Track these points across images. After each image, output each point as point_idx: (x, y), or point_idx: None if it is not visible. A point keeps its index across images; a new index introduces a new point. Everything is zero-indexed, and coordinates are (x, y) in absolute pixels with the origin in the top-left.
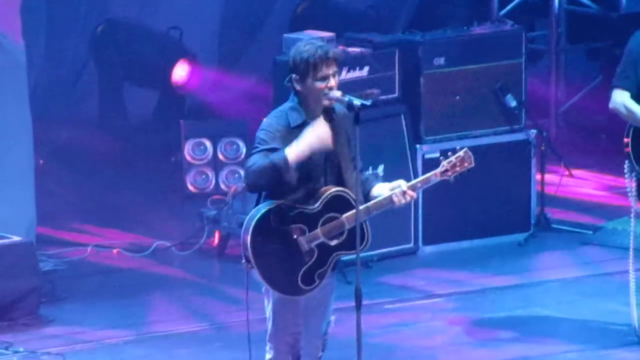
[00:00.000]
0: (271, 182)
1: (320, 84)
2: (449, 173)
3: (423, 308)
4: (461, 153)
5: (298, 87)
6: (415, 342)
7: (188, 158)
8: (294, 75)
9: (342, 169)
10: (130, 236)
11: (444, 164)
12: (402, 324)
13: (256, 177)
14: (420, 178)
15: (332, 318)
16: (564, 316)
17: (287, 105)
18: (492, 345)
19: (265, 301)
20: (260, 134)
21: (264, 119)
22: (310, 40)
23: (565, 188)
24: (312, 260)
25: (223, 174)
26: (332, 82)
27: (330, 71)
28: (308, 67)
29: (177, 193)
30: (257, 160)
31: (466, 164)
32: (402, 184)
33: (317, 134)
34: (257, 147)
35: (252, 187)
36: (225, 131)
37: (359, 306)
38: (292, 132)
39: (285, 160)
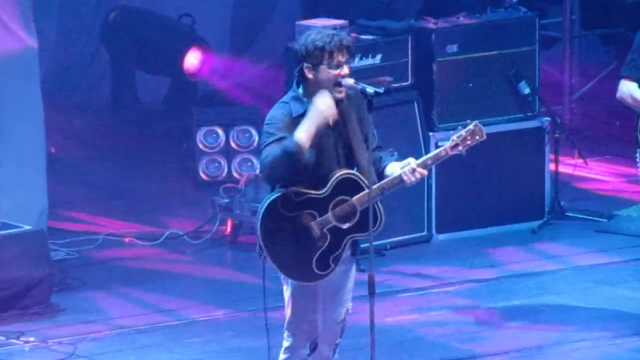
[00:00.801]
0: (287, 169)
1: (334, 72)
2: (460, 147)
3: (436, 296)
4: (471, 126)
5: (310, 76)
6: (429, 330)
7: (200, 146)
8: (305, 64)
9: (353, 151)
10: (142, 224)
11: (454, 138)
12: (415, 312)
13: (272, 168)
14: (430, 154)
15: (350, 305)
16: (578, 304)
17: (289, 95)
18: (505, 333)
19: (284, 287)
20: (266, 128)
21: (268, 113)
22: (319, 29)
23: (580, 175)
24: (326, 244)
25: (235, 161)
26: (346, 69)
27: (344, 59)
28: (323, 55)
29: (190, 181)
30: (270, 151)
31: (477, 137)
32: (411, 161)
33: (319, 108)
34: (266, 141)
35: (271, 179)
36: (237, 118)
37: (372, 294)
38: (295, 121)
39: (296, 143)
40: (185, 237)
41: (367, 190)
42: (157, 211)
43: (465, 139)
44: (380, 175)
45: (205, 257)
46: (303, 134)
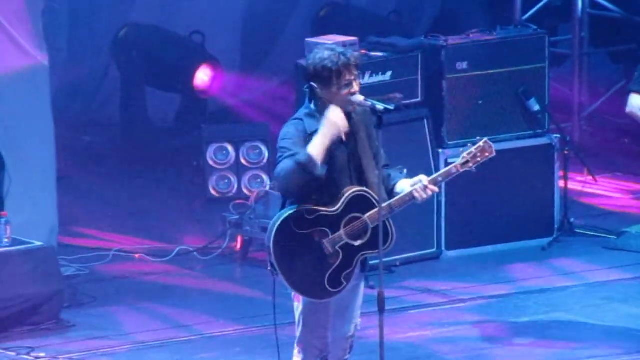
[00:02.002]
0: (301, 182)
1: (344, 91)
2: (470, 164)
3: (446, 313)
4: (481, 143)
5: (319, 95)
6: (438, 347)
7: (210, 162)
8: (314, 84)
9: (363, 167)
10: (152, 240)
11: (464, 155)
12: (425, 329)
13: (286, 181)
14: (441, 172)
15: (359, 320)
16: (587, 321)
17: (302, 112)
18: (515, 350)
19: (295, 304)
20: (281, 143)
21: (282, 129)
22: (327, 47)
23: (589, 192)
24: (338, 262)
25: (245, 178)
26: (355, 86)
27: (353, 77)
28: (332, 75)
29: (200, 197)
30: (284, 165)
31: (487, 154)
32: (422, 178)
33: (332, 120)
34: (281, 156)
35: (285, 192)
36: (247, 135)
37: (382, 311)
38: (309, 138)
39: (310, 156)
40: (195, 253)
41: (378, 208)
42: (167, 227)
43: (475, 155)
44: (390, 192)
45: (215, 274)
46: (316, 148)
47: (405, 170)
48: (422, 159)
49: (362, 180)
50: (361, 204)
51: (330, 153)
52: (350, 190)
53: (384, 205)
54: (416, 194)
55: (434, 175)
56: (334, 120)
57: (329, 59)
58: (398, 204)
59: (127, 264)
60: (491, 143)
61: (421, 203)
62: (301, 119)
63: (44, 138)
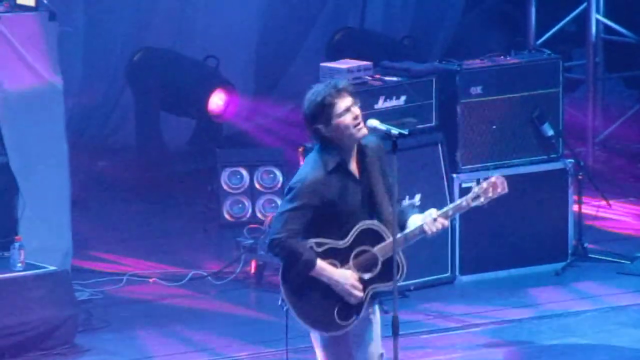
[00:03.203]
0: (290, 267)
1: (345, 118)
2: (481, 199)
3: (460, 337)
4: (493, 178)
5: (327, 135)
6: None
7: (224, 187)
8: (319, 126)
9: (377, 203)
10: (166, 265)
11: (475, 190)
12: (439, 353)
13: (280, 256)
14: (452, 205)
15: (383, 350)
16: (601, 346)
17: (318, 148)
18: None
19: (314, 341)
20: (296, 186)
21: (300, 169)
22: (313, 89)
23: (603, 217)
24: None
25: (260, 202)
26: (356, 111)
27: (349, 102)
28: (326, 108)
29: (214, 222)
30: (290, 253)
31: (499, 190)
32: (432, 212)
33: (339, 285)
34: (291, 202)
35: (271, 254)
36: (261, 160)
37: (396, 335)
38: (329, 176)
39: (313, 268)
40: (209, 277)
41: (388, 241)
42: (181, 252)
43: (486, 190)
44: (403, 227)
45: (229, 298)
46: (320, 272)
47: (418, 198)
48: (436, 184)
49: (376, 217)
50: (370, 237)
51: (344, 191)
52: (359, 224)
53: (394, 238)
54: (426, 227)
55: (444, 209)
56: (345, 289)
57: (318, 95)
58: (408, 237)
59: (141, 289)
60: (503, 179)
61: (431, 237)
62: (319, 158)
63: (58, 162)
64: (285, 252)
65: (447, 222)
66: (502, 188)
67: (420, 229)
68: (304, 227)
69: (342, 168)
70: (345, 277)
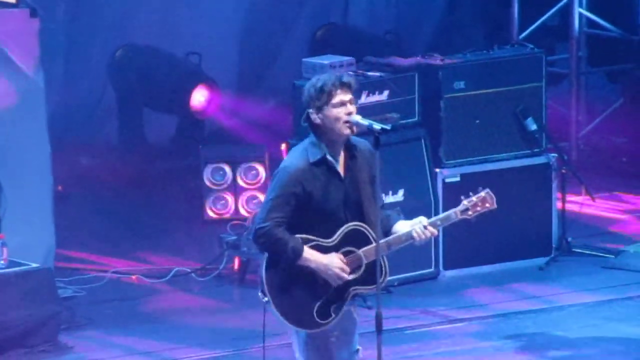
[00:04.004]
0: (276, 256)
1: (338, 110)
2: (470, 212)
3: (444, 333)
4: (483, 193)
5: (317, 121)
6: None
7: (207, 183)
8: (310, 110)
9: (363, 205)
10: (149, 262)
11: (465, 202)
12: (423, 349)
13: (266, 246)
14: (440, 216)
15: (359, 348)
16: (586, 341)
17: (306, 141)
18: None
19: (292, 336)
20: (280, 174)
21: (287, 156)
22: (320, 75)
23: (587, 211)
24: (328, 294)
25: (243, 199)
26: (351, 107)
27: (347, 97)
28: (323, 96)
29: (197, 218)
30: (275, 242)
31: (487, 205)
32: (422, 220)
33: (328, 269)
34: (274, 191)
35: (257, 246)
36: (244, 156)
37: (379, 331)
38: (311, 168)
39: (300, 255)
40: (192, 274)
41: (374, 244)
42: (164, 249)
43: (475, 204)
44: (387, 233)
45: (213, 295)
46: (306, 259)
47: (401, 193)
48: (419, 179)
49: (360, 218)
50: (357, 238)
51: (326, 186)
52: (348, 224)
53: (381, 242)
54: (415, 234)
55: (434, 219)
56: (330, 273)
57: (320, 80)
58: (395, 242)
59: (125, 286)
60: (492, 194)
61: (419, 244)
62: (305, 149)
63: (40, 159)
64: (271, 241)
65: (435, 232)
66: (491, 204)
67: (408, 235)
68: (289, 217)
69: (326, 163)
70: (332, 261)
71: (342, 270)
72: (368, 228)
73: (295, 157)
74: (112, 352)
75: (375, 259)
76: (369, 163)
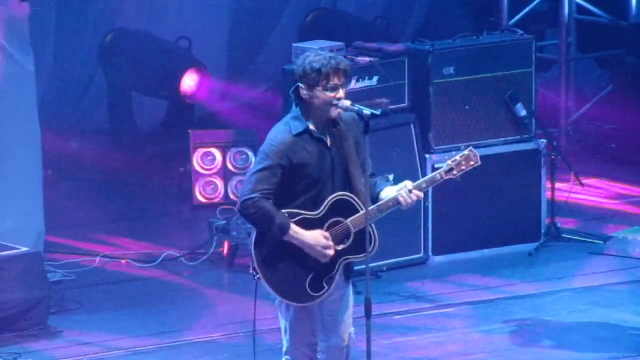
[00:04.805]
0: (262, 230)
1: (329, 94)
2: (454, 172)
3: (433, 318)
4: (466, 152)
5: (305, 97)
6: (426, 352)
7: (197, 168)
8: (301, 85)
9: (350, 174)
10: (139, 246)
11: (449, 162)
12: (412, 334)
13: (254, 218)
14: (426, 178)
15: (352, 329)
16: (574, 326)
17: (289, 115)
18: (502, 355)
19: (279, 314)
20: (264, 148)
21: (270, 132)
22: (318, 52)
23: (576, 197)
24: (319, 265)
25: (232, 183)
26: (341, 93)
27: (340, 82)
28: (319, 77)
29: (186, 203)
30: (261, 215)
31: (472, 162)
32: (407, 184)
33: (313, 247)
34: (260, 163)
35: (243, 217)
36: (234, 141)
37: (368, 316)
38: (295, 140)
39: (287, 231)
40: (182, 258)
41: (362, 212)
42: (154, 233)
43: (459, 163)
44: (375, 199)
45: (202, 279)
46: (292, 236)
47: (391, 178)
48: (409, 164)
49: (348, 188)
50: (344, 208)
51: (313, 155)
52: (334, 195)
53: (369, 208)
54: (401, 199)
55: (419, 181)
56: (317, 250)
57: (317, 61)
58: (382, 208)
59: (114, 269)
60: (476, 152)
61: (405, 209)
62: (287, 122)
63: (30, 143)
64: (259, 213)
65: (421, 195)
66: (475, 161)
67: (395, 200)
68: (275, 190)
69: (309, 133)
70: (316, 238)
71: (326, 247)
72: (354, 197)
73: (278, 131)
74: (101, 336)
75: (364, 227)
76: (352, 131)
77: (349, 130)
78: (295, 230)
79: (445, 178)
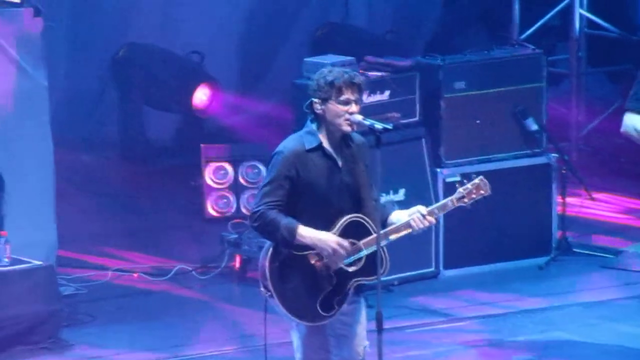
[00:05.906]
0: (272, 239)
1: (342, 107)
2: (465, 200)
3: (444, 332)
4: (477, 180)
5: (319, 111)
6: None
7: (209, 182)
8: (315, 99)
9: (361, 193)
10: (151, 260)
11: (460, 190)
12: (423, 348)
13: (261, 228)
14: (437, 204)
15: (367, 342)
16: (584, 340)
17: (304, 130)
18: None
19: (292, 331)
20: (275, 159)
21: (283, 141)
22: (333, 67)
23: (586, 211)
24: (331, 286)
25: (244, 197)
26: (354, 107)
27: (353, 97)
28: (332, 89)
29: (198, 217)
30: (270, 224)
31: (482, 191)
32: (420, 209)
33: (326, 242)
34: (268, 175)
35: (254, 230)
36: (245, 155)
37: (380, 330)
38: (307, 154)
39: (295, 231)
40: (193, 272)
41: (374, 235)
42: (166, 247)
43: (470, 192)
44: (384, 223)
45: (214, 293)
46: (302, 236)
47: (402, 192)
48: (419, 179)
49: (356, 210)
50: (357, 230)
51: (323, 172)
52: (347, 216)
53: (382, 231)
54: (413, 223)
55: (431, 207)
56: (328, 248)
57: (331, 74)
58: (394, 232)
59: (126, 283)
60: (486, 181)
61: (417, 234)
62: (301, 136)
63: (42, 157)
64: (265, 222)
65: (434, 220)
66: (486, 190)
67: (407, 225)
68: (284, 201)
69: (322, 150)
70: (329, 236)
71: (339, 244)
72: (367, 219)
73: (290, 142)
74: (113, 350)
75: (376, 249)
76: (363, 152)
77: (359, 151)
78: (304, 229)
79: (456, 205)
